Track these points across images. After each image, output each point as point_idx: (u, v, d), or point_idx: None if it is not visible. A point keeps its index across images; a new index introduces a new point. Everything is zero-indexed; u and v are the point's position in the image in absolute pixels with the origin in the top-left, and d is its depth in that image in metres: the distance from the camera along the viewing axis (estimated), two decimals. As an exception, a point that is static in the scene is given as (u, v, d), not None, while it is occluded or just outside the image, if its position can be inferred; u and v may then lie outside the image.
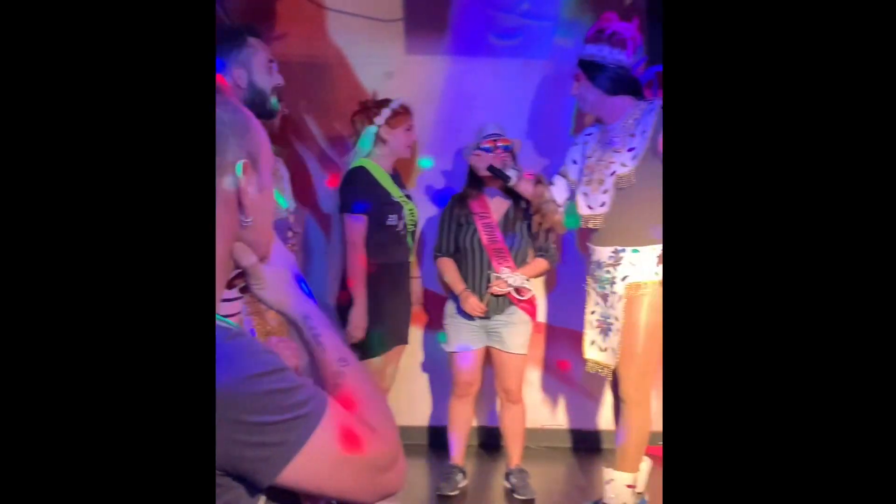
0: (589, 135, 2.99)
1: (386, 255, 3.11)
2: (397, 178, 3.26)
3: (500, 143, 3.19)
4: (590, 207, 2.86)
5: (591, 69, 2.83)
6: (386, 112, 3.14)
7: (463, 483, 3.36)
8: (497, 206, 3.26)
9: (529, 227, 3.21)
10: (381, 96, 3.28)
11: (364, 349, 3.05)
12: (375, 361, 3.09)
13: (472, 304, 3.15)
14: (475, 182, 3.26)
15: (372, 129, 3.14)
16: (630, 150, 2.77)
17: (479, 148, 3.20)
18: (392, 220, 3.09)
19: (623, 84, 2.81)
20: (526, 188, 3.10)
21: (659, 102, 2.78)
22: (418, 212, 3.27)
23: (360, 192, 3.08)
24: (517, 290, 3.15)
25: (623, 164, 2.76)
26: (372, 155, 3.16)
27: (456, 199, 3.32)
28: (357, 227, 3.08)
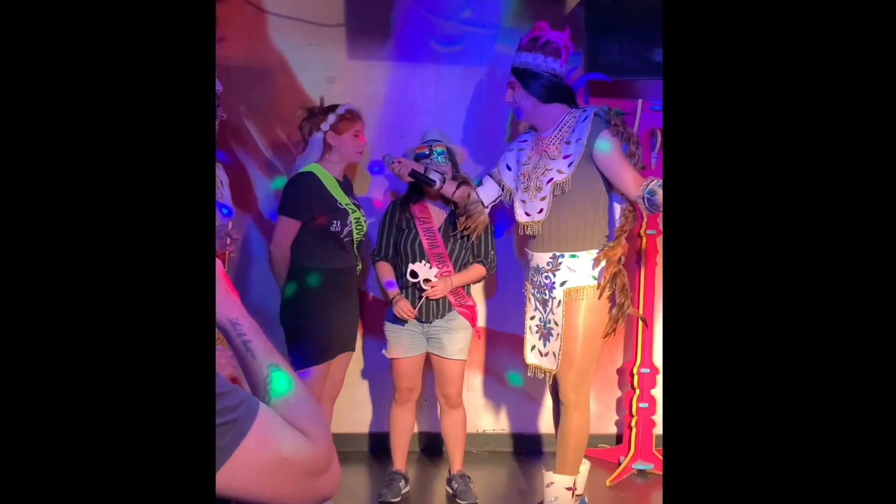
0: (524, 141, 3.04)
1: (330, 261, 3.10)
2: (348, 185, 3.26)
3: (435, 148, 3.22)
4: (527, 214, 2.90)
5: (524, 77, 2.88)
6: (332, 118, 3.12)
7: (405, 489, 3.36)
8: (438, 213, 3.28)
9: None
10: (325, 101, 3.27)
11: (306, 356, 3.03)
12: (317, 369, 3.06)
13: (403, 307, 3.16)
14: (417, 188, 3.27)
15: (319, 135, 3.13)
16: (566, 157, 2.83)
17: (416, 154, 3.22)
18: (336, 226, 3.07)
19: (556, 92, 2.86)
20: (449, 190, 3.13)
21: (592, 109, 2.84)
22: (366, 221, 3.26)
23: (300, 196, 3.07)
24: (425, 280, 3.15)
25: (559, 170, 2.81)
26: (322, 160, 3.15)
27: (396, 204, 3.33)
28: (285, 228, 3.08)
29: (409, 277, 3.16)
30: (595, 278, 2.77)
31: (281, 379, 0.95)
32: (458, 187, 3.13)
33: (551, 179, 2.83)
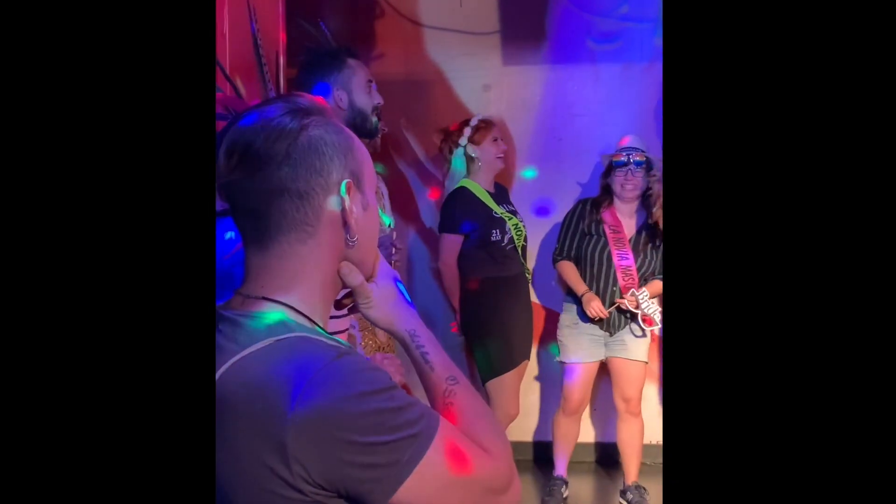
0: None
1: (495, 270, 3.11)
2: (502, 194, 3.27)
3: (633, 158, 3.09)
4: None
5: None
6: (468, 131, 3.18)
7: (566, 494, 3.28)
8: (629, 223, 3.16)
9: (655, 249, 3.12)
10: (479, 109, 3.31)
11: (491, 368, 3.05)
12: (509, 377, 3.07)
13: (596, 306, 3.06)
14: (606, 190, 3.18)
15: (459, 150, 3.18)
16: None
17: (612, 163, 3.13)
18: (495, 235, 3.09)
19: None
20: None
21: None
22: (525, 227, 3.24)
23: (457, 211, 3.12)
24: (642, 317, 3.06)
25: None
26: (470, 174, 3.19)
27: (585, 205, 3.22)
28: (449, 245, 3.14)
29: (625, 304, 3.07)
30: None
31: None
32: None
33: None
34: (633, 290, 3.07)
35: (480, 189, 3.16)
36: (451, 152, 3.22)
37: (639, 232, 3.14)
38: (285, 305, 0.88)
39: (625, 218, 3.16)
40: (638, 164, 3.09)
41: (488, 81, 3.66)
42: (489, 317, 3.10)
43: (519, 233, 3.17)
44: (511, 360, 3.09)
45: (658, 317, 3.05)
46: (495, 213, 3.11)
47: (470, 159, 3.18)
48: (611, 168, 3.14)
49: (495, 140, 3.19)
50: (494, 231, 3.09)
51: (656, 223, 3.04)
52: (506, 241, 3.11)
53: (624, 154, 3.11)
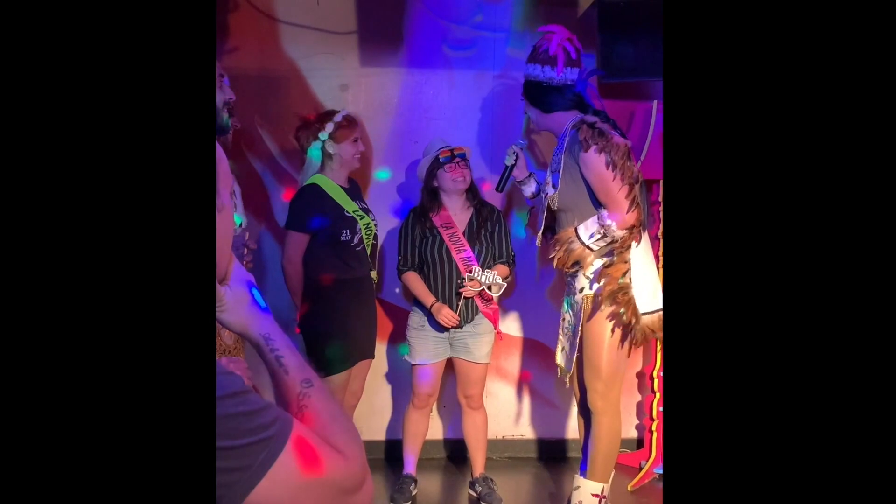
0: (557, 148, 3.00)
1: (344, 271, 3.09)
2: (356, 190, 3.25)
3: (456, 152, 3.21)
4: (538, 226, 2.93)
5: (528, 89, 2.86)
6: (330, 126, 3.11)
7: (415, 492, 3.36)
8: (460, 218, 3.27)
9: (490, 235, 3.25)
10: (336, 108, 3.26)
11: (326, 366, 3.03)
12: (337, 378, 3.06)
13: (446, 314, 3.14)
14: (434, 195, 3.26)
15: (318, 143, 3.12)
16: (557, 170, 2.80)
17: (437, 160, 3.21)
18: (345, 235, 3.07)
19: (556, 100, 2.80)
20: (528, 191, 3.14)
21: (576, 119, 2.78)
22: (376, 225, 3.25)
23: (305, 208, 3.07)
24: (489, 286, 3.15)
25: (553, 185, 2.79)
26: (324, 170, 3.14)
27: (415, 213, 3.31)
28: (295, 243, 3.09)
29: (469, 290, 3.13)
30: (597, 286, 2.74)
31: None
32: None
33: (547, 194, 2.81)
34: (465, 274, 3.16)
35: (333, 185, 3.11)
36: (307, 143, 3.14)
37: (469, 223, 3.25)
38: None
39: (457, 213, 3.26)
40: (461, 156, 3.21)
41: (346, 81, 3.64)
42: (331, 317, 3.07)
43: (369, 232, 3.16)
44: (344, 362, 3.10)
45: (498, 280, 3.13)
46: (347, 211, 3.09)
47: (327, 155, 3.12)
48: (436, 167, 3.22)
49: (355, 140, 3.15)
50: (345, 231, 3.07)
51: (487, 210, 3.17)
52: (356, 241, 3.10)
53: (447, 150, 3.21)
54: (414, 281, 3.25)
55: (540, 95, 2.81)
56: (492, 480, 3.34)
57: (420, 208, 3.31)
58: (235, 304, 0.97)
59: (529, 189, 3.11)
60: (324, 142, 3.11)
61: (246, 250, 2.78)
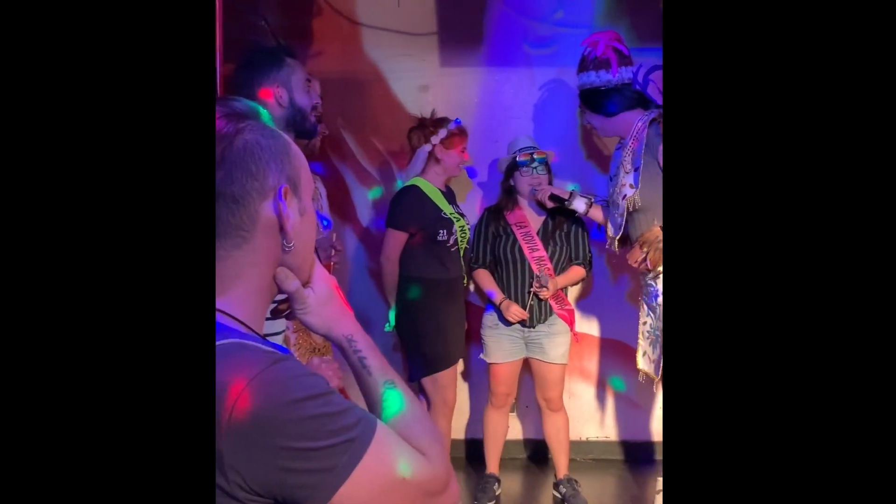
0: (618, 149, 2.95)
1: (439, 271, 3.13)
2: (450, 194, 3.29)
3: (535, 156, 3.18)
4: (614, 230, 2.86)
5: (586, 97, 2.81)
6: (443, 132, 3.15)
7: (499, 491, 3.34)
8: (534, 217, 3.26)
9: (566, 235, 3.22)
10: (418, 110, 3.30)
11: (432, 363, 3.08)
12: (444, 376, 3.11)
13: (515, 311, 3.14)
14: (510, 193, 3.24)
15: (427, 147, 3.16)
16: (636, 169, 2.73)
17: (515, 162, 3.19)
18: (442, 235, 3.11)
19: (619, 101, 2.75)
20: (597, 214, 3.08)
21: (653, 114, 2.71)
22: (470, 230, 3.29)
23: (405, 208, 3.12)
24: (558, 293, 3.13)
25: (631, 185, 2.73)
26: (426, 173, 3.18)
27: (491, 212, 3.32)
28: (393, 241, 3.13)
29: (541, 292, 3.12)
30: None
31: (396, 397, 0.93)
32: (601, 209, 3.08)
33: (625, 196, 2.74)
34: (536, 274, 3.13)
35: (433, 188, 3.16)
36: (419, 144, 3.18)
37: (545, 223, 3.22)
38: (220, 311, 0.88)
39: (530, 213, 3.24)
40: (541, 161, 3.18)
41: (426, 82, 3.66)
42: (425, 317, 3.11)
43: (463, 234, 3.20)
44: (447, 360, 3.14)
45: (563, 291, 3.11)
46: (444, 213, 3.13)
47: (433, 159, 3.16)
48: (513, 168, 3.20)
49: (462, 151, 3.20)
50: (442, 231, 3.11)
51: (563, 213, 3.13)
52: (451, 241, 3.14)
53: (527, 153, 3.18)
54: (484, 278, 3.26)
55: (600, 101, 2.78)
56: (576, 482, 3.30)
57: (495, 206, 3.31)
58: (318, 306, 0.98)
59: (581, 205, 3.05)
60: (434, 146, 3.15)
61: (333, 251, 2.83)
